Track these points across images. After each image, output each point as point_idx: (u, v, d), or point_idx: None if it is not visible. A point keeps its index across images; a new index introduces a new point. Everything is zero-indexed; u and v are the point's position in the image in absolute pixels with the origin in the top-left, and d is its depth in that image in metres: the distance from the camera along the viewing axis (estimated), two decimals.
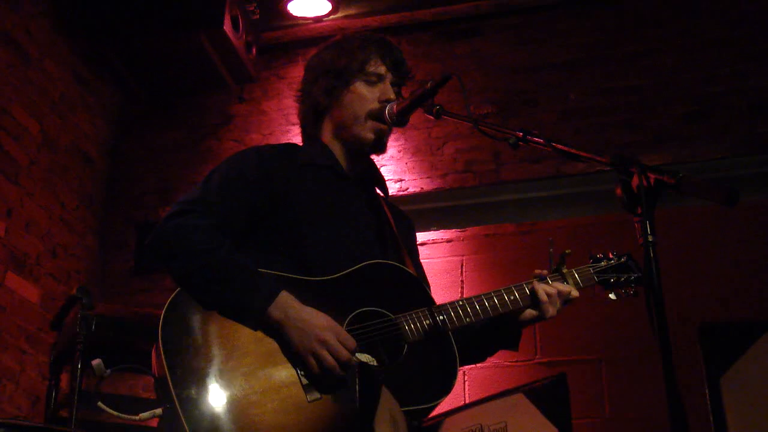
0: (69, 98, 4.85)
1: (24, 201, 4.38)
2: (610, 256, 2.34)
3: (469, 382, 4.13)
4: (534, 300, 2.14)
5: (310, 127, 2.34)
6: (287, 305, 1.90)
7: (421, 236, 4.56)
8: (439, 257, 4.48)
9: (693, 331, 3.73)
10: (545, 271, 2.22)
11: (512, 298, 2.13)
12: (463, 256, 4.46)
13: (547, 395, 3.26)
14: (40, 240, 4.48)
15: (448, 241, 4.53)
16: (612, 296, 2.31)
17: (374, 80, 2.28)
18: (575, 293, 2.18)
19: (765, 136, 4.31)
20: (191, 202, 2.06)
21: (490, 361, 4.13)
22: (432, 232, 4.57)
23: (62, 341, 3.35)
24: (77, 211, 4.85)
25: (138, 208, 5.09)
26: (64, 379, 3.41)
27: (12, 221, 4.26)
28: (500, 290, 2.15)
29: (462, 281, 4.36)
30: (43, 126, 4.58)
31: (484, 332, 2.22)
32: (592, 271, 2.29)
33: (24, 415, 4.08)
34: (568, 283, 2.20)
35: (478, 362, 2.36)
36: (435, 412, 3.44)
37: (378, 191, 2.38)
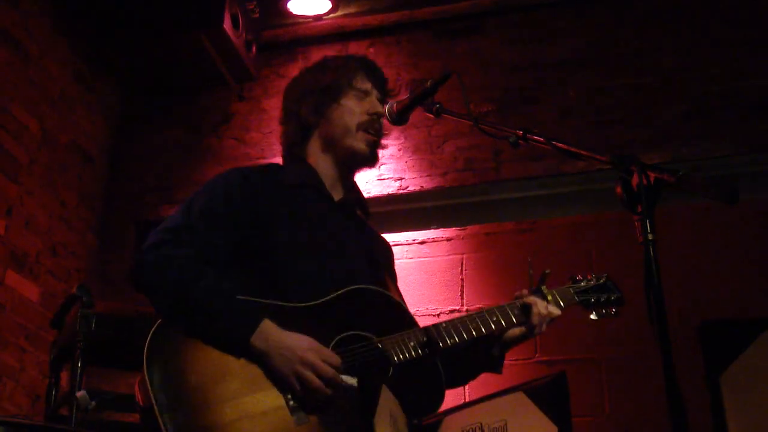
0: (69, 96, 4.85)
1: (24, 199, 4.38)
2: (590, 276, 2.39)
3: None
4: (522, 321, 2.18)
5: (296, 147, 2.34)
6: (269, 333, 1.88)
7: (421, 235, 4.57)
8: (439, 256, 4.48)
9: (693, 330, 3.73)
10: (525, 291, 2.25)
11: (495, 319, 2.16)
12: (463, 254, 4.46)
13: (547, 394, 3.26)
14: (40, 238, 4.48)
15: (448, 239, 4.53)
16: (593, 316, 2.35)
17: (362, 96, 2.31)
18: (556, 311, 2.23)
19: (765, 134, 4.31)
20: (173, 231, 2.04)
21: None
22: (432, 230, 4.57)
23: (62, 339, 3.35)
24: (77, 209, 4.85)
25: (138, 206, 5.09)
26: (64, 377, 3.41)
27: (12, 219, 4.26)
28: (483, 312, 2.17)
29: (462, 280, 4.36)
30: (43, 124, 4.58)
31: (467, 355, 2.23)
32: (572, 291, 2.34)
33: (24, 414, 4.08)
34: (548, 302, 2.24)
35: (461, 385, 2.37)
36: None
37: (360, 214, 2.39)
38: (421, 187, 4.70)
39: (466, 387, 4.11)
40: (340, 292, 2.04)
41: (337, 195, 2.31)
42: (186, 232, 2.04)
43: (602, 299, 2.35)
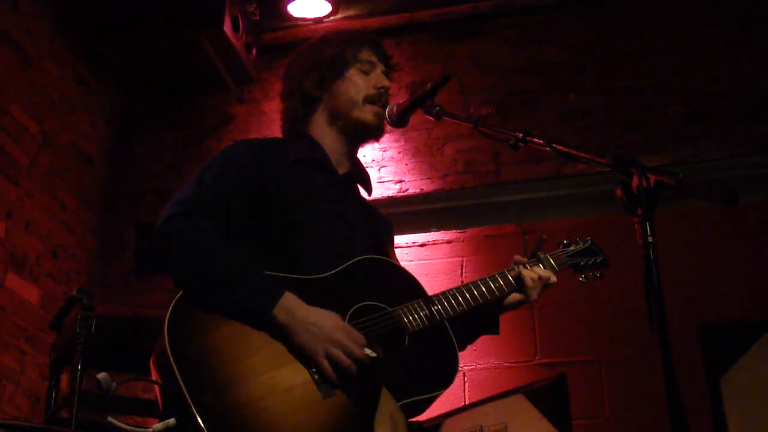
0: (69, 98, 4.85)
1: (24, 201, 4.38)
2: (576, 240, 2.47)
3: (469, 383, 4.13)
4: (519, 285, 2.23)
5: (299, 122, 2.33)
6: (293, 307, 1.88)
7: (421, 237, 4.58)
8: (440, 258, 4.48)
9: (693, 331, 3.73)
10: (524, 258, 2.30)
11: (498, 285, 2.21)
12: (463, 257, 4.46)
13: (547, 396, 3.27)
14: (40, 240, 4.48)
15: (448, 242, 4.53)
16: (582, 279, 2.44)
17: (367, 69, 2.31)
18: (554, 279, 2.28)
19: (764, 136, 4.32)
20: (187, 203, 2.03)
21: (490, 361, 4.16)
22: (432, 233, 4.57)
23: (62, 342, 3.34)
24: (77, 211, 4.85)
25: (138, 208, 5.09)
26: (64, 379, 3.40)
27: (12, 222, 4.26)
28: (486, 278, 2.22)
29: (462, 282, 4.35)
30: (43, 126, 4.58)
31: (465, 320, 2.24)
32: (563, 255, 2.40)
33: (24, 416, 4.08)
34: (545, 267, 2.30)
35: (461, 350, 2.38)
36: (435, 413, 3.45)
37: (362, 190, 2.40)
38: (421, 189, 4.71)
39: (466, 389, 4.11)
40: (350, 262, 2.05)
41: (342, 169, 2.31)
42: (198, 204, 2.03)
43: (590, 262, 2.43)
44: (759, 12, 4.58)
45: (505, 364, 4.12)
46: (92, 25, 4.83)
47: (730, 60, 4.53)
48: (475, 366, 4.13)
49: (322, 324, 1.88)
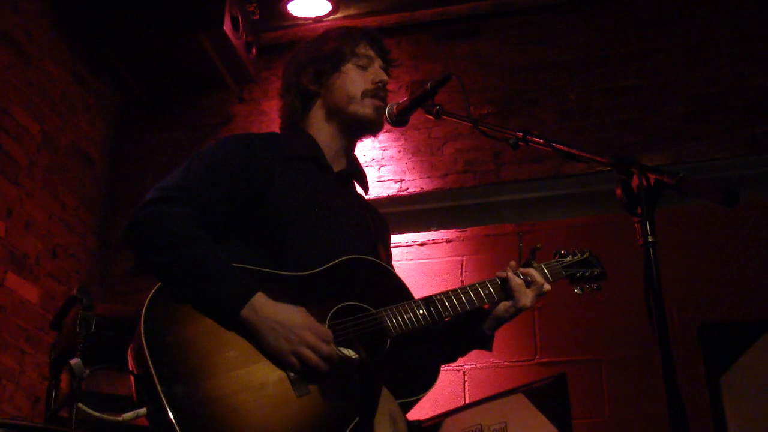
0: (69, 98, 4.85)
1: (24, 201, 4.38)
2: (574, 251, 2.40)
3: (469, 382, 4.13)
4: (506, 289, 2.17)
5: (297, 117, 2.30)
6: (260, 306, 1.85)
7: (421, 236, 4.58)
8: (439, 257, 4.48)
9: (693, 331, 3.73)
10: (515, 264, 2.26)
11: (486, 291, 2.16)
12: (463, 256, 4.46)
13: (547, 395, 3.27)
14: (40, 240, 4.48)
15: (448, 241, 4.53)
16: (577, 291, 2.36)
17: (364, 64, 2.28)
18: (547, 286, 2.23)
19: (764, 136, 4.32)
20: (171, 189, 2.00)
21: (490, 361, 4.16)
22: (432, 232, 4.57)
23: (62, 341, 3.34)
24: (77, 211, 4.85)
25: None
26: (64, 379, 3.40)
27: (12, 221, 4.26)
28: (475, 284, 2.17)
29: (462, 281, 4.36)
30: (43, 126, 4.58)
31: (459, 330, 2.22)
32: (559, 266, 2.34)
33: (24, 416, 4.08)
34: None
35: (449, 362, 2.35)
36: (435, 413, 3.45)
37: (358, 187, 2.37)
38: (421, 188, 4.71)
39: (466, 389, 4.11)
40: (336, 261, 2.02)
41: (338, 166, 2.27)
42: (183, 191, 1.99)
43: (586, 274, 2.36)
44: (759, 12, 4.58)
45: (505, 364, 4.11)
46: (92, 25, 4.83)
47: (730, 60, 4.53)
48: (475, 365, 4.13)
49: (288, 322, 1.84)
